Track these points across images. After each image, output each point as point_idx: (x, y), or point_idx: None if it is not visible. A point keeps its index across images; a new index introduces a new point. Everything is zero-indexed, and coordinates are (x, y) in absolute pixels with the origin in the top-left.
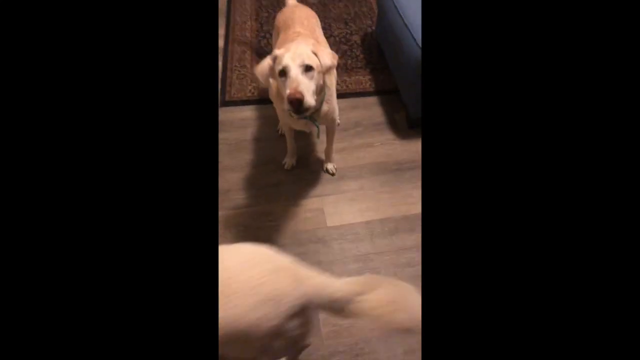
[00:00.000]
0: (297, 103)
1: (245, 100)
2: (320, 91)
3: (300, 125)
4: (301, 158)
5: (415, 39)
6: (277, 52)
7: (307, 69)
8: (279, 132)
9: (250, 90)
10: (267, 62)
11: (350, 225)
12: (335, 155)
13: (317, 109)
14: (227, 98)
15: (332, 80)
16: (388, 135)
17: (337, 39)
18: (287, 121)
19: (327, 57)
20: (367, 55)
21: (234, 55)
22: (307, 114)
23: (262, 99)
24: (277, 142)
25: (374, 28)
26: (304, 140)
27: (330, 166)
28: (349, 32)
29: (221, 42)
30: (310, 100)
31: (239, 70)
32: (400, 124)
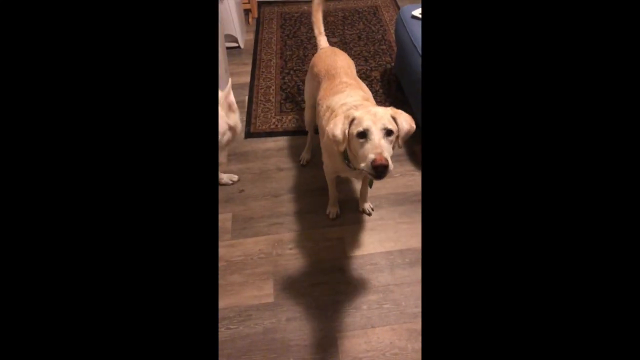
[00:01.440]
0: (382, 169)
1: (268, 132)
2: None
3: (352, 175)
4: (323, 188)
5: None
6: (355, 113)
7: (388, 133)
8: (301, 162)
9: (273, 123)
10: (340, 119)
11: (370, 255)
12: (357, 186)
13: None
14: (252, 130)
15: (402, 142)
16: (407, 167)
17: (358, 74)
18: (338, 169)
19: (406, 122)
20: (386, 90)
21: (260, 90)
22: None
23: (285, 131)
24: (299, 171)
25: (392, 64)
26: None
27: (367, 206)
28: (369, 68)
29: (248, 78)
30: (392, 165)
31: (263, 104)
32: (420, 156)
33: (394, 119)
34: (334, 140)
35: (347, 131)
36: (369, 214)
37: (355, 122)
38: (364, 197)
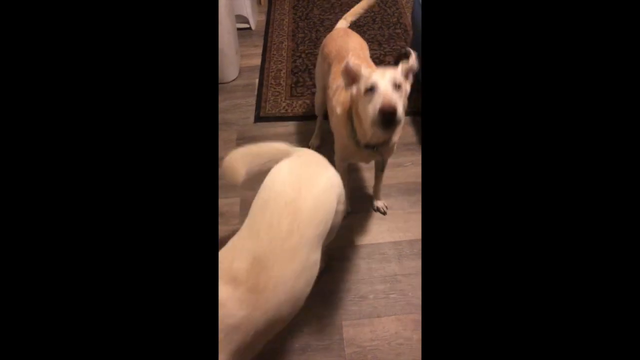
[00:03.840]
0: (390, 115)
1: (279, 116)
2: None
3: (361, 157)
4: None
5: None
6: (363, 71)
7: (397, 87)
8: (310, 147)
9: (284, 107)
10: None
11: (378, 245)
12: (366, 174)
13: (387, 141)
14: (261, 114)
15: (402, 113)
16: (419, 156)
17: (371, 59)
18: (347, 151)
19: (409, 86)
20: None
21: (270, 74)
22: (394, 130)
23: (295, 116)
24: None
25: (407, 48)
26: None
27: (380, 204)
28: (382, 53)
29: (258, 60)
30: (401, 113)
31: (274, 88)
32: None
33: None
34: (342, 72)
35: (355, 90)
36: (384, 213)
37: (363, 79)
38: (377, 194)
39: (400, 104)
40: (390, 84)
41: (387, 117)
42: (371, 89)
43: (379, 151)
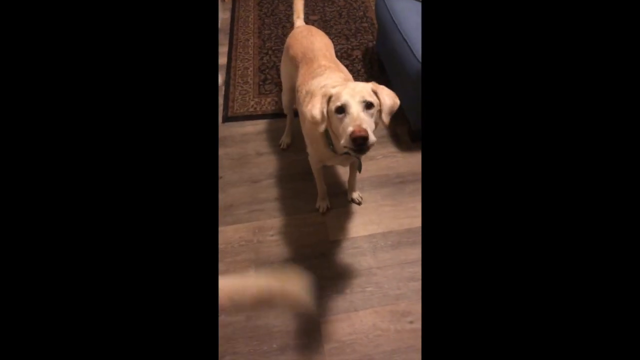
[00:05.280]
0: (361, 141)
1: (247, 115)
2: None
3: (337, 160)
4: (305, 172)
5: (414, 53)
6: (332, 90)
7: (368, 106)
8: (281, 146)
9: (252, 106)
10: (318, 99)
11: (352, 239)
12: (340, 170)
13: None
14: (229, 114)
15: (387, 119)
16: (390, 149)
17: (339, 54)
18: (323, 157)
19: (388, 97)
20: (369, 69)
21: (237, 72)
22: (367, 152)
23: (264, 114)
24: (279, 156)
25: (374, 43)
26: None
27: (355, 195)
28: (350, 47)
29: (224, 59)
30: (372, 137)
31: (241, 87)
32: (402, 137)
33: (375, 93)
34: (313, 121)
35: (325, 110)
36: (359, 204)
37: (333, 98)
38: (352, 186)
39: (371, 126)
40: (360, 104)
41: (358, 141)
42: (342, 108)
43: (354, 155)
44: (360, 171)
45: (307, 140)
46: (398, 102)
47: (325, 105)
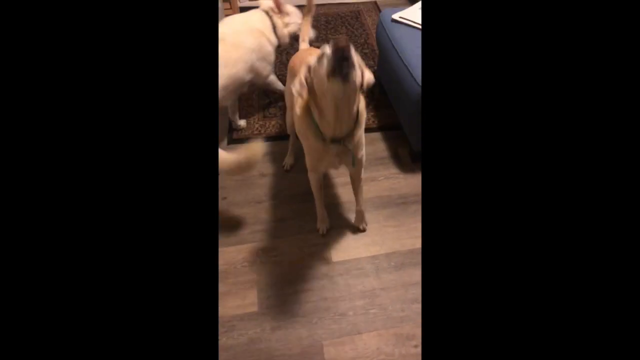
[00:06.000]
0: (344, 49)
1: (251, 137)
2: (357, 113)
3: (331, 159)
4: (307, 193)
5: (414, 78)
6: (310, 58)
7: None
8: (285, 167)
9: (257, 129)
10: (299, 74)
11: (355, 260)
12: (340, 190)
13: (352, 133)
14: (234, 136)
15: (363, 107)
16: (392, 170)
17: None
18: (316, 154)
19: (368, 73)
20: (370, 93)
21: (242, 96)
22: (351, 79)
23: (268, 137)
24: (282, 177)
25: (376, 68)
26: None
27: (362, 225)
28: None
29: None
30: (355, 60)
31: (246, 110)
32: (404, 158)
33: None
34: (297, 94)
35: (308, 77)
36: (363, 230)
37: (312, 61)
38: (358, 200)
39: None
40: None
41: (340, 57)
42: (322, 57)
43: (345, 145)
44: (354, 165)
45: (303, 145)
46: (373, 80)
47: (307, 75)
